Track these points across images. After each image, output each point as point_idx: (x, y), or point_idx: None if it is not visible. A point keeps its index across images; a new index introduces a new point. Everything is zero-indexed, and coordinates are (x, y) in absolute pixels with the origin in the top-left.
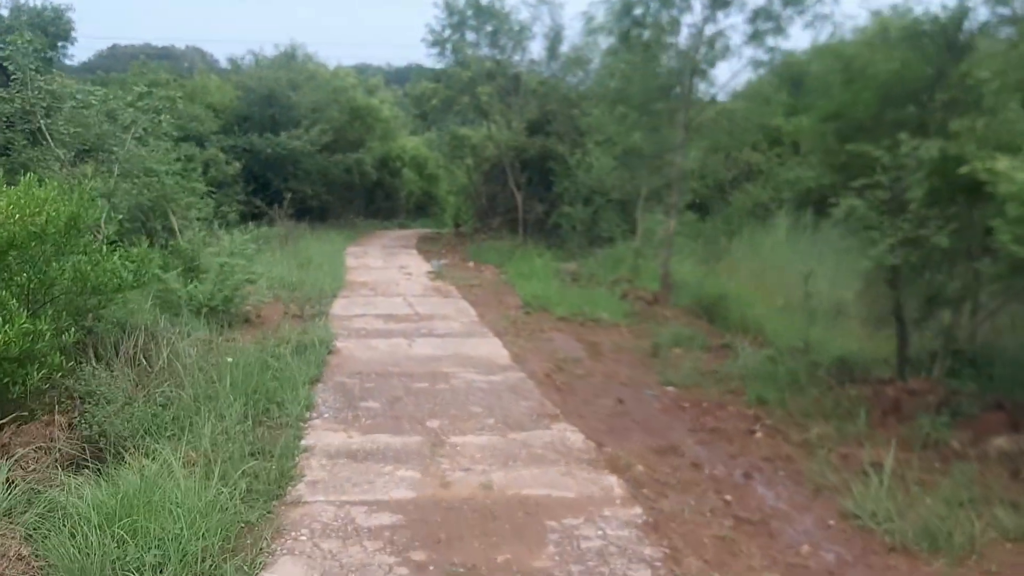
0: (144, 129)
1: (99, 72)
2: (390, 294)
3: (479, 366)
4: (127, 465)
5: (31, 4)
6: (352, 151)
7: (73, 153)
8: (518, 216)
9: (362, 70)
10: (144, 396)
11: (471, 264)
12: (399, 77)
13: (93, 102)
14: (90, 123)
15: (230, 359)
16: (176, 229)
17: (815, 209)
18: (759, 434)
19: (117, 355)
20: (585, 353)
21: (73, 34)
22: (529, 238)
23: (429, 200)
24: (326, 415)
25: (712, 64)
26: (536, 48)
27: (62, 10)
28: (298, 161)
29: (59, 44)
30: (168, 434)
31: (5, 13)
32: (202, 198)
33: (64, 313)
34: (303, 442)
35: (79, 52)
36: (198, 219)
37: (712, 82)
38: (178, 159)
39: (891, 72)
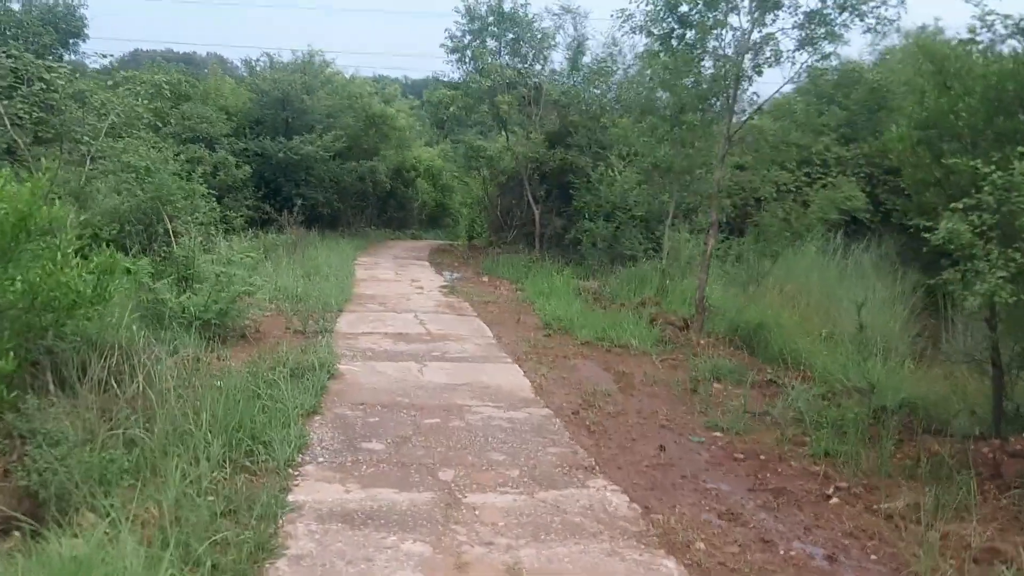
0: (117, 116)
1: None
2: (400, 310)
3: (498, 399)
4: (65, 530)
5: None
6: (366, 159)
7: (30, 139)
8: (535, 230)
9: (379, 81)
10: (107, 432)
11: (485, 279)
12: (416, 89)
13: (59, 81)
14: (59, 107)
15: (219, 383)
16: (171, 234)
17: (846, 232)
18: (835, 499)
19: (83, 380)
20: (615, 385)
21: (86, 31)
22: (546, 253)
23: (442, 211)
24: (321, 459)
25: (760, 72)
26: (558, 58)
27: (74, 6)
28: (310, 167)
29: (71, 41)
30: (127, 483)
31: (16, 7)
32: (205, 201)
33: (7, 333)
34: (291, 497)
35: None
36: (201, 224)
37: (752, 92)
38: (179, 157)
39: (1000, 74)
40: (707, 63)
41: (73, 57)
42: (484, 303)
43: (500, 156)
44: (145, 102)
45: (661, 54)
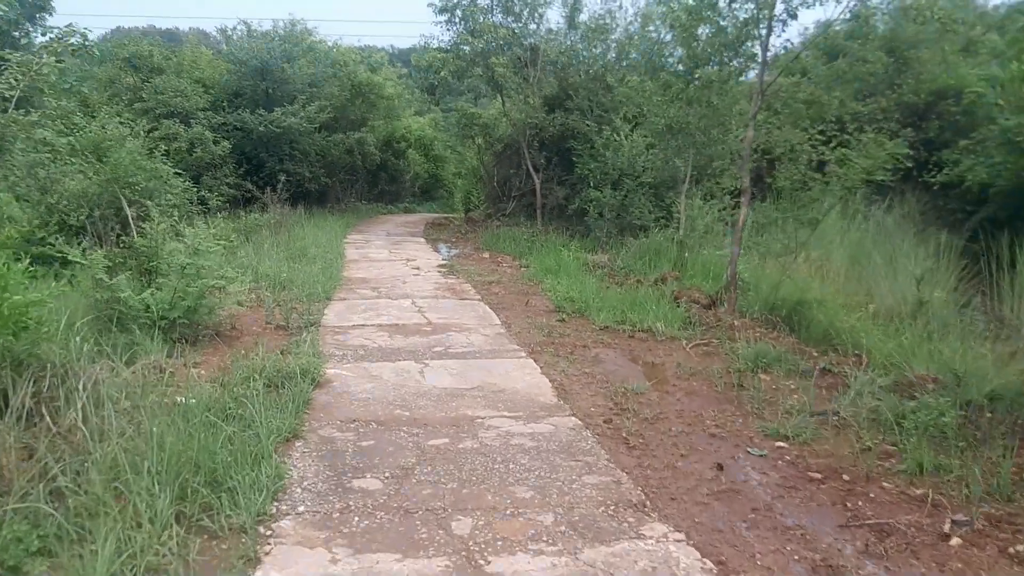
0: (23, 89)
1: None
2: (396, 295)
3: (515, 406)
4: None
5: None
6: (353, 131)
7: None
8: (536, 201)
9: (365, 51)
10: (25, 482)
11: (486, 255)
12: (404, 58)
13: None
14: None
15: (180, 402)
16: (131, 220)
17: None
18: (955, 539)
19: (4, 413)
20: (647, 381)
21: (52, 3)
22: (549, 225)
23: (436, 183)
24: (301, 508)
25: (794, 14)
26: (554, 17)
27: None
28: (294, 141)
29: (37, 16)
30: (39, 569)
31: None
32: (177, 181)
33: None
34: (258, 574)
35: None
36: (174, 206)
37: (784, 40)
38: (152, 134)
39: None
40: (736, 3)
41: (42, 37)
42: (487, 284)
43: (496, 123)
44: (51, 61)
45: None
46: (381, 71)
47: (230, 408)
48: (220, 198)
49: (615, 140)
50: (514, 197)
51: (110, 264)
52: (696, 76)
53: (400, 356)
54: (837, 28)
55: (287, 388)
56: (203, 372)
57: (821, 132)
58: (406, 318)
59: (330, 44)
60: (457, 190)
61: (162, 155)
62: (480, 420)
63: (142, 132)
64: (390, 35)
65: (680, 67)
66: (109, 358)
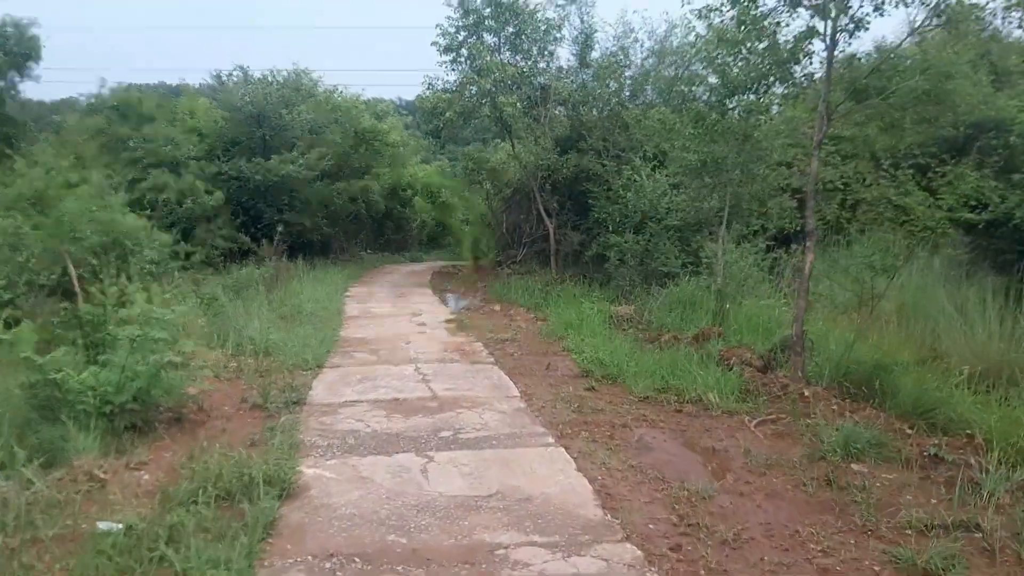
0: None
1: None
2: (397, 359)
3: (550, 524)
4: None
5: None
6: (357, 179)
7: None
8: (549, 247)
9: (370, 104)
10: None
11: (497, 307)
12: (411, 109)
13: None
14: None
15: (103, 524)
16: (75, 282)
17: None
18: None
19: None
20: (712, 476)
21: (43, 50)
22: (564, 273)
23: (443, 231)
24: None
25: (863, 24)
26: (564, 54)
27: (24, 25)
28: (294, 189)
29: (25, 64)
30: None
31: None
32: (146, 238)
33: None
34: None
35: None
36: (152, 263)
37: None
38: (138, 185)
39: None
40: (784, 17)
41: (26, 84)
42: (501, 342)
43: (504, 167)
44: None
45: (722, 8)
46: (387, 120)
47: (154, 549)
48: (214, 251)
49: (636, 181)
50: (525, 243)
51: (47, 338)
52: (731, 106)
53: (398, 446)
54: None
55: (248, 500)
56: (147, 477)
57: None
58: (408, 390)
59: (331, 89)
60: (465, 237)
61: (147, 207)
62: (503, 552)
63: (123, 183)
64: (397, 85)
65: (712, 98)
66: (23, 465)
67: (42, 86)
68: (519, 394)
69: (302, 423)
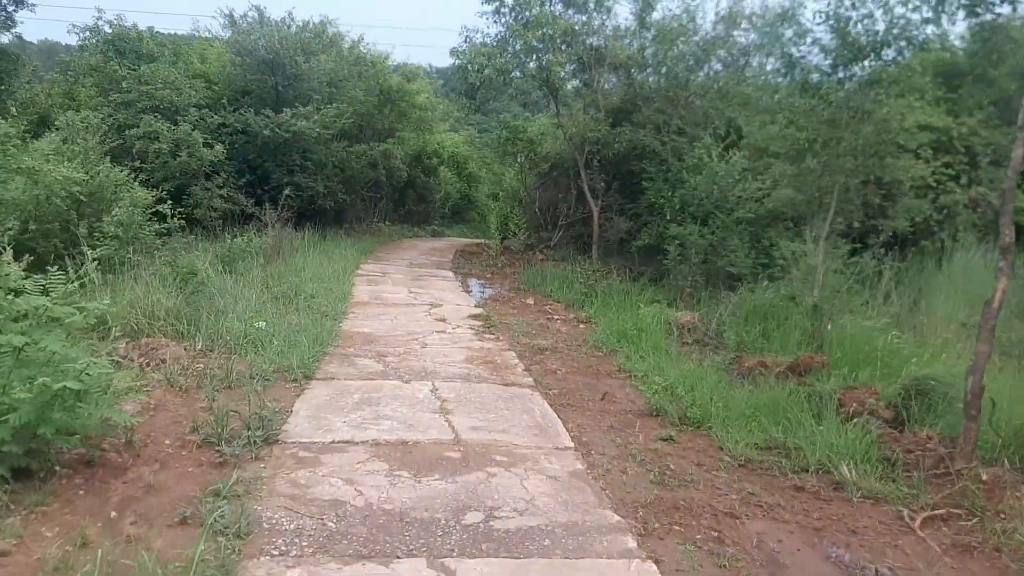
0: None
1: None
2: (410, 371)
3: None
4: None
5: None
6: (379, 142)
7: None
8: (589, 232)
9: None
10: None
11: (530, 300)
12: (442, 77)
13: None
14: None
15: None
16: None
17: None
18: None
19: None
20: None
21: None
22: (607, 263)
23: (468, 204)
24: None
25: None
26: (622, 13)
27: None
28: (307, 149)
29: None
30: None
31: None
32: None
33: None
34: None
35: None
36: (119, 226)
37: None
38: (128, 132)
39: None
40: None
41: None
42: (538, 352)
43: (542, 138)
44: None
45: None
46: (416, 81)
47: None
48: (211, 212)
49: (707, 162)
50: (561, 226)
51: None
52: (850, 74)
53: (402, 540)
54: None
55: None
56: (10, 572)
57: (946, 165)
58: (421, 426)
59: (356, 40)
60: (491, 213)
61: (136, 158)
62: None
63: (100, 127)
64: (428, 46)
65: (827, 61)
66: None
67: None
68: (572, 443)
69: (265, 481)
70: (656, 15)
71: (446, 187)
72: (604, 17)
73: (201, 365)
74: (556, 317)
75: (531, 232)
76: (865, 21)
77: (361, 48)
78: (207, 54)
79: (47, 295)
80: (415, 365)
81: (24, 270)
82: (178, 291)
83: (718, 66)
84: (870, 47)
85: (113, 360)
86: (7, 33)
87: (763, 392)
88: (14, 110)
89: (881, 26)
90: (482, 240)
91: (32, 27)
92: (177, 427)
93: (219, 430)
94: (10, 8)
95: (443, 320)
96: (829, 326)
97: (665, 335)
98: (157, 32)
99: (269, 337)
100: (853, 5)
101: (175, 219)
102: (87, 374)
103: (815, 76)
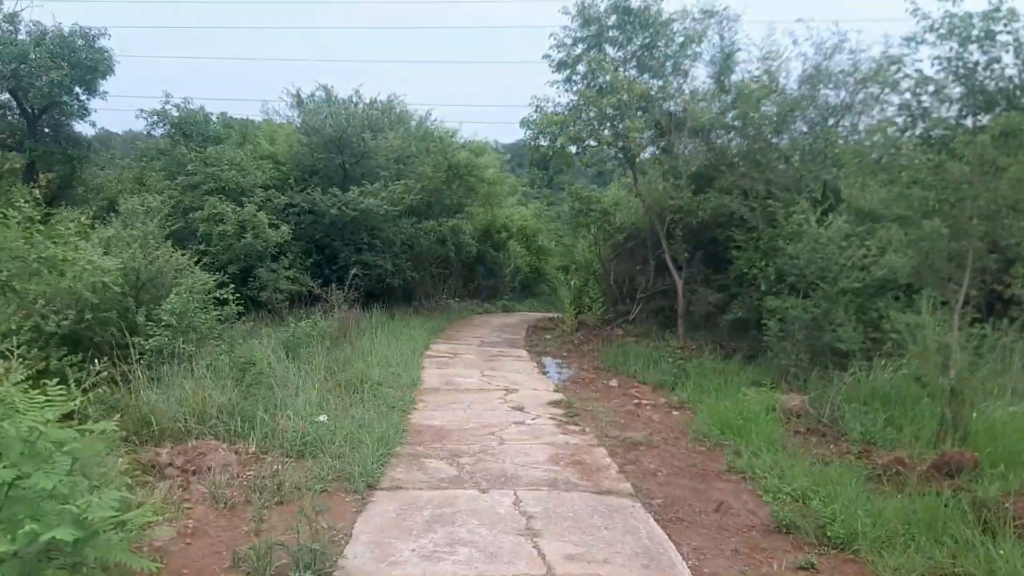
0: None
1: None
2: (487, 477)
3: None
4: None
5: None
6: (448, 218)
7: None
8: (672, 305)
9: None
10: None
11: (613, 382)
12: (510, 151)
13: None
14: None
15: None
16: None
17: None
18: None
19: None
20: None
21: (114, 65)
22: (694, 338)
23: (537, 277)
24: None
25: None
26: (699, 75)
27: (93, 36)
28: (375, 227)
29: (89, 78)
30: None
31: (24, 37)
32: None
33: None
34: None
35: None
36: (171, 314)
37: None
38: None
39: None
40: None
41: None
42: (632, 446)
43: (614, 208)
44: None
45: None
46: (484, 156)
47: None
48: (278, 295)
49: (808, 228)
50: (640, 299)
51: None
52: (979, 126)
53: None
54: None
55: None
56: None
57: None
58: (506, 555)
59: (424, 116)
60: (562, 286)
61: (201, 241)
62: None
63: (161, 210)
64: (493, 123)
65: (954, 111)
66: None
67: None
68: None
69: None
70: (735, 77)
71: (515, 261)
72: (681, 80)
73: (252, 472)
74: (645, 402)
75: (607, 306)
76: (994, 67)
77: (428, 124)
78: (275, 136)
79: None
80: (493, 467)
81: (70, 365)
82: (234, 384)
83: (803, 127)
84: (1002, 95)
85: (137, 479)
86: (82, 122)
87: (910, 500)
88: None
89: (1013, 71)
90: (554, 314)
91: (115, 117)
92: (216, 559)
93: (263, 567)
94: (83, 97)
95: (520, 409)
96: (974, 413)
97: (775, 424)
98: (228, 116)
99: (331, 435)
100: (981, 48)
101: (233, 304)
102: (85, 517)
103: (938, 130)
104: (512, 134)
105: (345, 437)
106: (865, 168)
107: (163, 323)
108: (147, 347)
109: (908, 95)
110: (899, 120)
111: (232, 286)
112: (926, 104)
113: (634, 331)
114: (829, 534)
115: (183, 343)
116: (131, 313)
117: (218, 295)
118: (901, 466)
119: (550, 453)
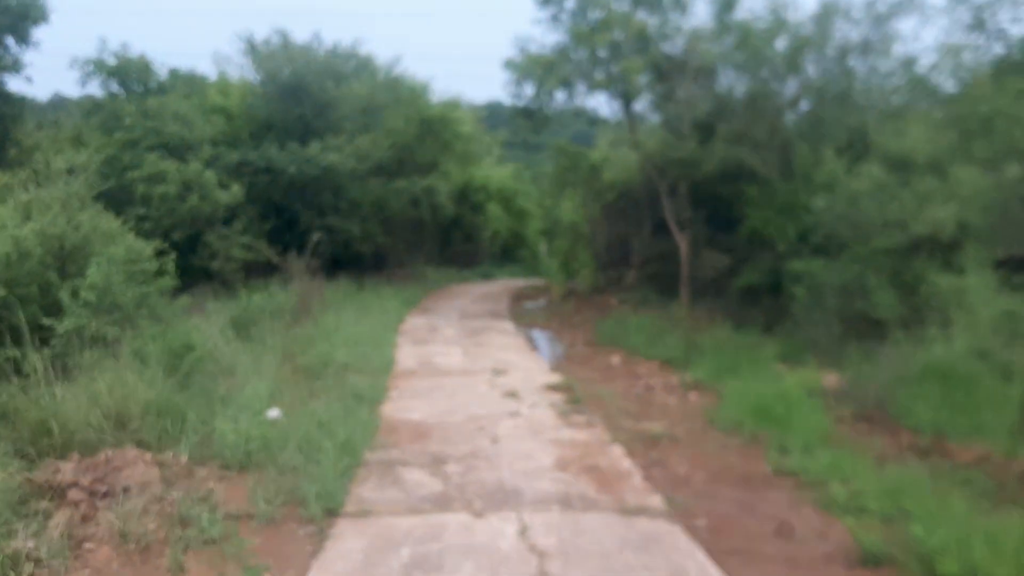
0: None
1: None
2: (481, 494)
3: None
4: None
5: None
6: (421, 177)
7: None
8: (674, 271)
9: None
10: None
11: (616, 359)
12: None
13: None
14: None
15: None
16: None
17: None
18: None
19: None
20: None
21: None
22: (701, 308)
23: (517, 242)
24: None
25: None
26: (699, 13)
27: None
28: (340, 187)
29: (20, 25)
30: None
31: None
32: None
33: None
34: None
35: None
36: (90, 288)
37: None
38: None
39: None
40: None
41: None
42: (652, 443)
43: (604, 164)
44: None
45: None
46: (458, 111)
47: None
48: (230, 265)
49: (844, 183)
50: (635, 265)
51: None
52: None
53: None
54: None
55: None
56: None
57: None
58: None
59: (392, 62)
60: (551, 252)
61: (141, 203)
62: None
63: (88, 166)
64: (467, 77)
65: None
66: None
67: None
68: None
69: None
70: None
71: (494, 225)
72: (679, 17)
73: (180, 494)
74: (655, 384)
75: (598, 272)
76: None
77: (398, 73)
78: (229, 89)
79: None
80: (487, 478)
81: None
82: (167, 374)
83: (817, 67)
84: None
85: (25, 508)
86: (16, 75)
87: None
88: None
89: None
90: (538, 281)
91: (44, 80)
92: None
93: None
94: (15, 49)
95: (514, 395)
96: None
97: (819, 411)
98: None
99: (283, 438)
100: None
101: (172, 275)
102: None
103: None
104: (486, 92)
105: (302, 440)
106: (920, 95)
107: (81, 301)
108: (59, 330)
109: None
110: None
111: (175, 255)
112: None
113: (630, 299)
114: (940, 572)
115: (105, 325)
116: (54, 289)
117: (158, 266)
118: (986, 466)
119: (556, 455)
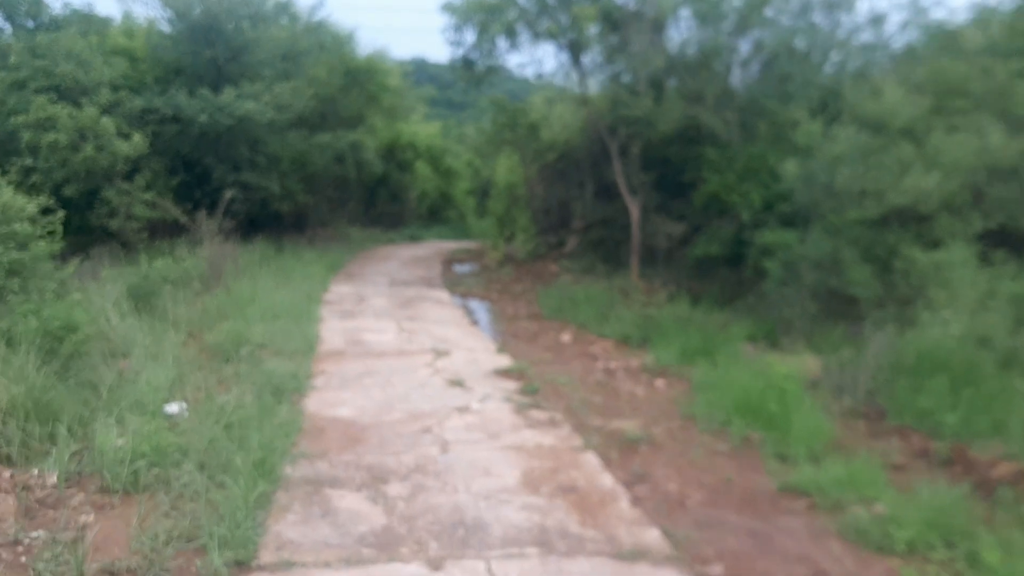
0: None
1: None
2: (435, 532)
3: None
4: None
5: None
6: (346, 131)
7: None
8: (628, 239)
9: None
10: None
11: (566, 336)
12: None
13: None
14: None
15: None
16: None
17: None
18: None
19: None
20: None
21: None
22: (652, 279)
23: (445, 203)
24: None
25: None
26: None
27: None
28: (258, 140)
29: None
30: None
31: None
32: None
33: None
34: None
35: None
36: None
37: None
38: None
39: None
40: None
41: None
42: (630, 449)
43: (544, 122)
44: None
45: None
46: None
47: None
48: (131, 224)
49: (823, 145)
50: (575, 229)
51: None
52: None
53: None
54: None
55: None
56: None
57: None
58: None
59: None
60: (485, 214)
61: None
62: None
63: None
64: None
65: None
66: None
67: None
68: None
69: None
70: None
71: (422, 184)
72: None
73: (42, 534)
74: (615, 368)
75: (538, 237)
76: None
77: (321, 16)
78: (134, 30)
79: None
80: (441, 505)
81: None
82: (43, 361)
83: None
84: None
85: None
86: None
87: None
88: None
89: None
90: (469, 244)
91: None
92: None
93: None
94: None
95: (460, 384)
96: None
97: (815, 407)
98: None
99: (182, 449)
100: None
101: (53, 239)
102: None
103: None
104: (411, 48)
105: (206, 452)
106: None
107: None
108: None
109: None
110: None
111: (65, 213)
112: None
113: (573, 267)
114: None
115: None
116: None
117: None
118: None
119: (522, 468)
